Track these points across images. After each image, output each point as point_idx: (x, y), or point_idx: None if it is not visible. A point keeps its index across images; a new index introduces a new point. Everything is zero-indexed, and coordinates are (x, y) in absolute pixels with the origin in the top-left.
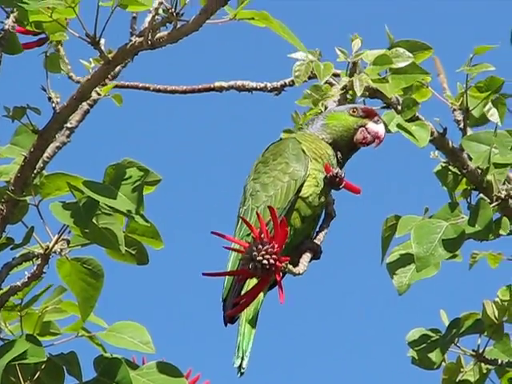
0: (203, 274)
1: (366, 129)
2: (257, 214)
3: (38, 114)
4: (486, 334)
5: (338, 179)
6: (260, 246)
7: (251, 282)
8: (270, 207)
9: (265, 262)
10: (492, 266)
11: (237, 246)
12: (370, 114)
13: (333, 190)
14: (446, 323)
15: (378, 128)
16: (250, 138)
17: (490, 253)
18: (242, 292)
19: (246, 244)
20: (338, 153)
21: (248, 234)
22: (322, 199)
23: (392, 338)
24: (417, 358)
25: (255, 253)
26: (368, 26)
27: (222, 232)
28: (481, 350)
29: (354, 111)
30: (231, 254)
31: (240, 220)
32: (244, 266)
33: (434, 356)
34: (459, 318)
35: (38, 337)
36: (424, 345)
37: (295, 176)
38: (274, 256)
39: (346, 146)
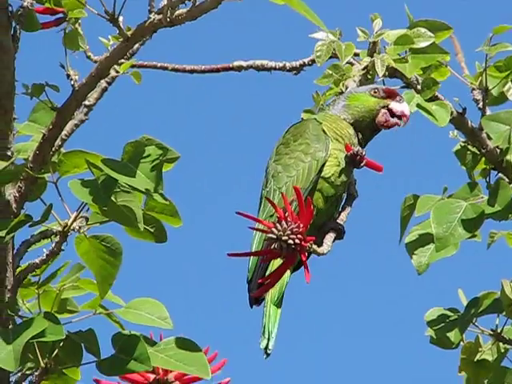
0: (228, 255)
1: (390, 109)
2: (281, 194)
3: (57, 91)
4: (504, 313)
5: (358, 157)
6: (285, 226)
7: (276, 263)
8: (294, 187)
9: (290, 241)
10: (510, 245)
11: (261, 227)
12: (391, 95)
13: (355, 170)
14: (465, 303)
15: (402, 107)
16: (270, 118)
17: (508, 232)
18: (267, 272)
19: (271, 224)
20: (359, 133)
21: (271, 215)
22: (344, 178)
23: (411, 317)
24: (435, 337)
25: (281, 232)
26: (387, 6)
27: (246, 212)
28: (499, 330)
29: (375, 92)
30: (255, 235)
31: (263, 201)
32: (269, 246)
33: (452, 335)
34: (478, 297)
35: (55, 314)
36: (442, 324)
37: (316, 156)
38: (299, 236)
39: (367, 127)
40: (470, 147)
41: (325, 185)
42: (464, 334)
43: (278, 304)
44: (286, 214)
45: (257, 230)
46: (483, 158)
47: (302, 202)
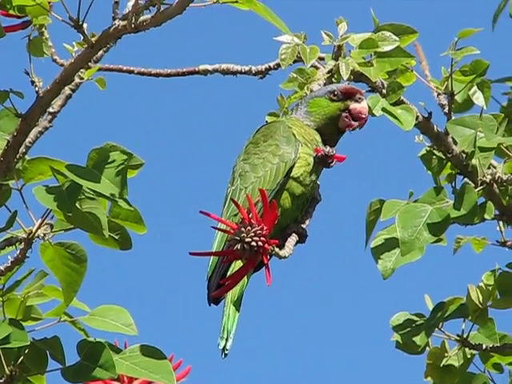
0: (190, 254)
1: (349, 111)
2: (246, 195)
3: (21, 97)
4: (470, 318)
5: (328, 157)
6: (249, 228)
7: (237, 263)
8: (260, 189)
9: (253, 243)
10: (476, 250)
11: (225, 227)
12: (350, 94)
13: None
14: (431, 308)
15: (360, 107)
16: (235, 122)
17: (474, 237)
18: (228, 272)
19: (235, 225)
20: (327, 139)
21: (235, 215)
22: (314, 178)
23: (376, 322)
24: (401, 342)
25: (244, 234)
26: (353, 10)
27: (210, 212)
28: (465, 335)
29: (334, 95)
30: (217, 234)
31: (228, 200)
32: (232, 246)
33: (418, 340)
34: (443, 302)
35: (20, 322)
36: (408, 329)
37: (285, 158)
38: (262, 238)
39: (332, 131)
40: (435, 152)
41: (293, 184)
42: (430, 338)
43: (237, 305)
44: (250, 216)
45: (220, 230)
46: (449, 163)
47: (266, 204)
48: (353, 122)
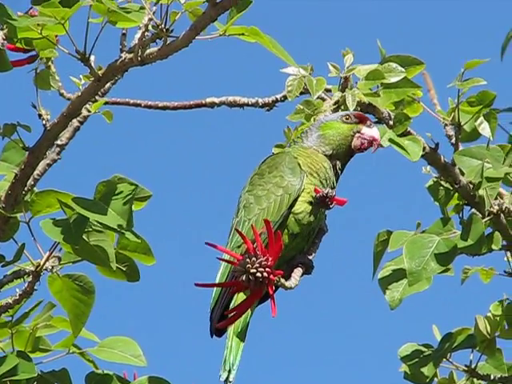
0: (196, 285)
1: (362, 134)
2: (252, 226)
3: (29, 131)
4: (478, 349)
5: (327, 199)
6: (254, 259)
7: (240, 295)
8: (265, 220)
9: (258, 274)
10: (484, 281)
11: (230, 258)
12: (362, 119)
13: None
14: (439, 338)
15: (372, 132)
16: (242, 154)
17: (481, 268)
18: (231, 303)
19: (240, 256)
20: (338, 162)
21: (239, 246)
22: (312, 218)
23: (384, 352)
24: (409, 372)
25: (249, 265)
26: (359, 41)
27: (216, 243)
28: (473, 366)
29: (347, 118)
30: (221, 265)
31: (232, 231)
32: (237, 277)
33: (426, 371)
34: (451, 332)
35: (29, 353)
36: (416, 359)
37: (289, 190)
38: (267, 269)
39: (344, 153)
40: (442, 183)
41: (292, 221)
42: (438, 369)
43: (242, 336)
44: (255, 246)
45: (225, 261)
46: (456, 194)
47: (271, 234)
48: (365, 142)
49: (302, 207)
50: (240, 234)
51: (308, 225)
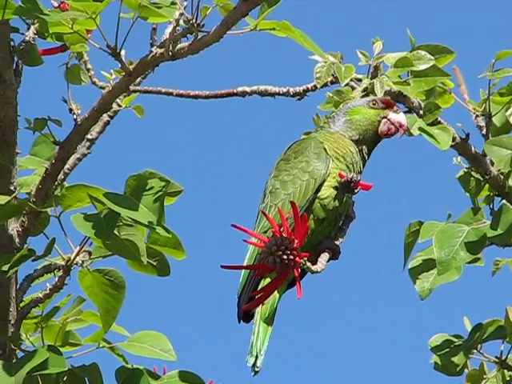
0: (221, 267)
1: (389, 119)
2: (278, 209)
3: (59, 125)
4: (508, 340)
5: (352, 184)
6: (280, 241)
7: (266, 279)
8: (292, 202)
9: (284, 256)
10: None
11: (256, 241)
12: (389, 105)
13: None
14: (469, 329)
15: (400, 117)
16: (273, 143)
17: None
18: (258, 287)
19: (266, 238)
20: (364, 147)
21: (266, 231)
22: (337, 204)
23: (415, 343)
24: (440, 363)
25: (275, 247)
26: (389, 30)
27: (242, 226)
28: (504, 357)
29: (374, 103)
30: (248, 249)
31: (259, 215)
32: (263, 260)
33: (456, 361)
34: (482, 323)
35: (59, 348)
36: (447, 350)
37: (315, 175)
38: (293, 251)
39: (370, 139)
40: (473, 173)
41: (317, 206)
42: (468, 361)
43: (269, 321)
44: (281, 230)
45: (251, 243)
46: (487, 185)
47: (298, 217)
48: (393, 128)
49: (328, 192)
50: (267, 216)
51: (334, 210)
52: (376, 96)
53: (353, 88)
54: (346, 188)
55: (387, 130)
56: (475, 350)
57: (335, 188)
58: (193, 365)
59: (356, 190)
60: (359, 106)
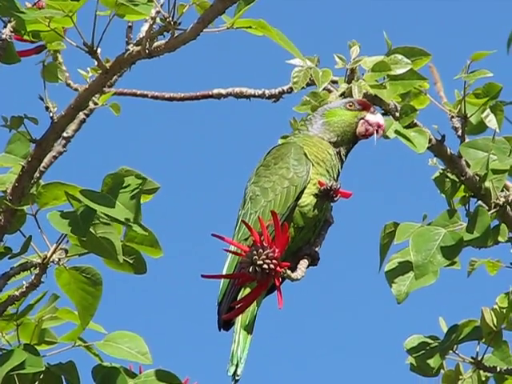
0: (202, 276)
1: (366, 121)
2: (258, 218)
3: (36, 123)
4: (484, 341)
5: (332, 192)
6: (261, 250)
7: (247, 288)
8: (272, 211)
9: (265, 266)
10: (491, 273)
11: (237, 250)
12: (365, 106)
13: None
14: (445, 330)
15: (377, 118)
16: (248, 145)
17: (488, 260)
18: (238, 296)
19: (246, 247)
20: (341, 149)
21: (246, 238)
22: (317, 212)
23: (391, 345)
24: (415, 364)
25: (255, 257)
26: (365, 33)
27: (222, 235)
28: (479, 358)
29: (350, 105)
30: (228, 257)
31: (239, 223)
32: (244, 269)
33: (432, 362)
34: (458, 324)
35: (34, 346)
36: (423, 351)
37: (295, 182)
38: (274, 261)
39: (348, 140)
40: (449, 175)
41: (297, 214)
42: (444, 361)
43: (249, 329)
44: (262, 238)
45: (232, 252)
46: (462, 186)
47: (278, 226)
48: (370, 128)
49: (308, 200)
50: (247, 225)
51: (313, 218)
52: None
53: (329, 91)
54: (326, 196)
55: (365, 131)
56: (451, 351)
57: (315, 195)
58: (167, 363)
59: (336, 198)
60: (336, 108)
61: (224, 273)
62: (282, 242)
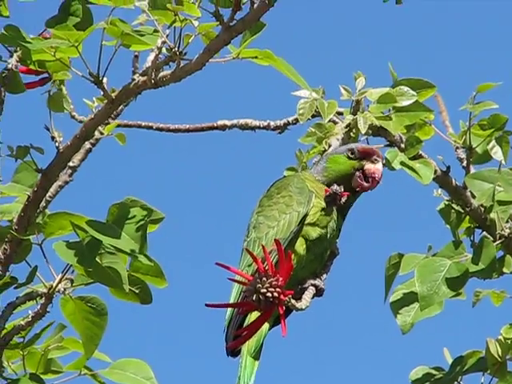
0: (206, 305)
1: (363, 171)
2: (262, 246)
3: (42, 153)
4: (489, 372)
5: (337, 195)
6: (264, 279)
7: (253, 314)
8: (275, 240)
9: (268, 294)
10: (495, 304)
11: (240, 278)
12: (367, 154)
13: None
14: (450, 361)
15: (374, 168)
16: (254, 177)
17: (493, 291)
18: (244, 322)
19: (250, 276)
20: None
21: (249, 265)
22: (328, 219)
23: (396, 376)
24: None
25: (259, 285)
26: (371, 64)
27: (226, 264)
28: None
29: (351, 153)
30: (234, 286)
31: (243, 252)
32: (247, 297)
33: None
34: (462, 356)
35: (40, 375)
36: (427, 383)
37: (298, 208)
38: (277, 289)
39: (347, 189)
40: (454, 206)
41: (309, 228)
42: None
43: (256, 356)
44: (266, 266)
45: (235, 281)
46: (467, 217)
47: (282, 254)
48: (364, 183)
49: (316, 216)
50: (250, 253)
51: (326, 226)
52: (359, 131)
53: (335, 122)
54: (333, 201)
55: (358, 185)
56: (456, 382)
57: (321, 210)
58: None
59: (342, 201)
60: (339, 155)
61: (230, 301)
62: (286, 270)
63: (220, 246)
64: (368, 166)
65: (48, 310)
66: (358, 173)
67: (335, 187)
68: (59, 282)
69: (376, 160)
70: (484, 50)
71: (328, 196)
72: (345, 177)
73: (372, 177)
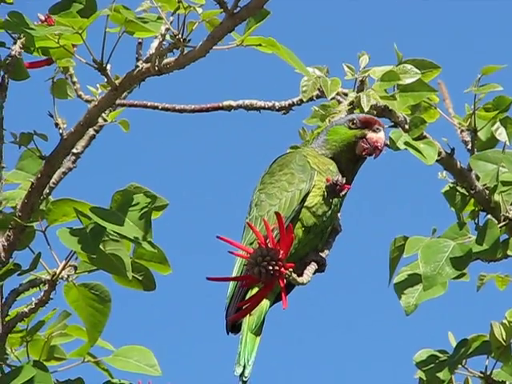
0: (207, 279)
1: (366, 139)
2: (264, 220)
3: (45, 140)
4: (493, 355)
5: (338, 186)
6: (265, 252)
7: (254, 290)
8: (277, 213)
9: (269, 267)
10: (500, 287)
11: (242, 252)
12: (369, 124)
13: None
14: (454, 344)
15: (376, 137)
16: (258, 157)
17: (497, 275)
18: (245, 298)
19: (251, 250)
20: (343, 166)
21: (252, 243)
22: (326, 209)
23: (399, 358)
24: (424, 378)
25: (260, 258)
26: (376, 45)
27: (227, 237)
28: (488, 372)
29: (352, 123)
30: (235, 263)
31: (245, 228)
32: (248, 271)
33: (441, 376)
34: (467, 339)
35: (43, 362)
36: (432, 365)
37: (300, 186)
38: (279, 262)
39: (348, 159)
40: (458, 188)
41: (306, 214)
42: (453, 376)
43: (257, 332)
44: (267, 241)
45: (236, 255)
46: (472, 200)
47: (283, 228)
48: (368, 146)
49: (315, 200)
50: (252, 228)
51: (322, 216)
52: (362, 109)
53: (339, 102)
54: (333, 191)
55: (362, 150)
56: (460, 365)
57: (322, 196)
58: (178, 380)
59: (342, 193)
60: (339, 126)
61: (232, 275)
62: (287, 244)
63: (226, 227)
64: (370, 134)
65: (51, 296)
66: (361, 140)
67: (337, 178)
68: (63, 268)
69: (378, 129)
70: (488, 33)
71: (328, 186)
72: (347, 146)
73: (375, 145)
